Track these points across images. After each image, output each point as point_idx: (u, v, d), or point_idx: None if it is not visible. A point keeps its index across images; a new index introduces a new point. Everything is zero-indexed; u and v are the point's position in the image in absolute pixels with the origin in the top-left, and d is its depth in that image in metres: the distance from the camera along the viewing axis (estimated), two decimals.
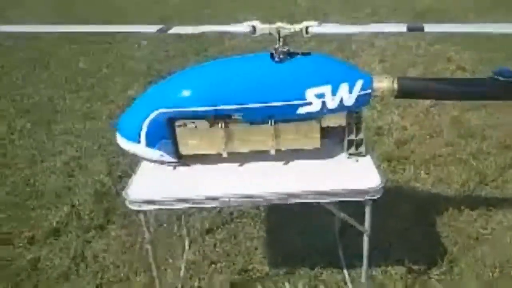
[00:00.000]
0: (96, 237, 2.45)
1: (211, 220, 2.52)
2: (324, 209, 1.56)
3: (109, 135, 3.47)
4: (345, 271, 2.14)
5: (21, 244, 2.41)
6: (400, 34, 4.70)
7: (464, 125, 3.34)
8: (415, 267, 2.13)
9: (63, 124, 3.74)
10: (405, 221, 2.41)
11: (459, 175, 2.77)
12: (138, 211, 1.55)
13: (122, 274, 2.19)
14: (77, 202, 2.71)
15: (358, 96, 1.54)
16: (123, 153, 3.07)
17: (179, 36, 5.26)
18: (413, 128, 3.35)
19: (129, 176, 2.87)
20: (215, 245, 2.36)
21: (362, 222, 1.59)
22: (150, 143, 1.58)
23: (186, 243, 2.36)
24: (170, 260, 2.28)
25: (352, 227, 1.61)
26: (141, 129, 1.55)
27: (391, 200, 2.44)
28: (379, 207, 1.59)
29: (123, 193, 1.53)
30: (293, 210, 2.27)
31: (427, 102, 3.60)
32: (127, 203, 1.53)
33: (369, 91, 1.55)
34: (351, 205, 1.55)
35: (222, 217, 2.53)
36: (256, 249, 2.31)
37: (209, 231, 2.46)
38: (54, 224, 2.54)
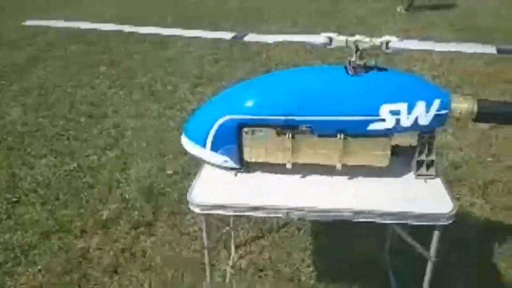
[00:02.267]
0: (144, 234, 2.49)
1: (257, 226, 2.51)
2: (375, 226, 1.49)
3: (158, 134, 3.57)
4: None
5: (73, 233, 2.49)
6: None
7: None
8: None
9: (114, 119, 3.85)
10: (461, 249, 2.30)
11: None
12: (200, 215, 1.55)
13: (169, 273, 2.22)
14: (127, 197, 2.78)
15: (435, 116, 1.48)
16: (173, 151, 3.20)
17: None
18: (469, 150, 3.21)
19: (179, 174, 2.96)
20: (260, 252, 2.35)
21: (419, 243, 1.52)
22: (215, 148, 1.58)
23: (232, 247, 2.36)
24: (216, 264, 2.29)
25: (405, 248, 1.54)
26: (208, 134, 1.56)
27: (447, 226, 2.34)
28: None
29: (187, 196, 1.54)
30: (342, 223, 2.22)
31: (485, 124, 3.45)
32: (190, 206, 1.53)
33: (447, 111, 1.49)
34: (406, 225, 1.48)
35: (268, 225, 2.52)
36: (303, 260, 2.28)
37: (255, 237, 2.45)
38: (105, 216, 2.62)
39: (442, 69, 4.68)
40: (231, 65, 4.99)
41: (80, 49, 5.61)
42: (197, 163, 1.70)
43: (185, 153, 1.69)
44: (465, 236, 2.38)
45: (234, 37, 1.59)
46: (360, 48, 1.47)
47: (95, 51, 5.50)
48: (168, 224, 2.55)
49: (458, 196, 2.70)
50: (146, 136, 3.54)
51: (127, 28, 1.85)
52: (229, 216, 2.28)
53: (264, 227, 2.50)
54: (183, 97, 4.25)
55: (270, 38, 1.56)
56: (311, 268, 2.23)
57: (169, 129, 3.63)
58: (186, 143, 1.65)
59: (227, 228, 2.25)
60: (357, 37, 1.48)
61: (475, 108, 1.51)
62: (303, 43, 1.54)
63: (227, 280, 2.17)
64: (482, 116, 1.52)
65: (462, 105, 1.51)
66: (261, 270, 2.22)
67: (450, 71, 4.63)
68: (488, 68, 4.63)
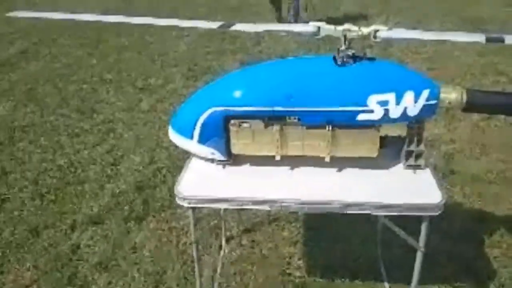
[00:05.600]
0: (135, 228, 2.47)
1: (248, 220, 2.49)
2: (365, 218, 1.48)
3: (149, 127, 3.53)
4: (386, 284, 2.06)
5: (63, 229, 2.47)
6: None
7: None
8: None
9: (105, 113, 3.81)
10: (452, 239, 2.30)
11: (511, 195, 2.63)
12: (187, 208, 1.53)
13: (159, 268, 2.20)
14: (117, 191, 2.75)
15: (424, 106, 1.46)
16: (163, 145, 3.17)
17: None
18: (461, 143, 3.21)
19: (169, 168, 2.93)
20: (252, 247, 2.34)
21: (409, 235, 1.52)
22: (202, 140, 1.56)
23: (223, 241, 2.35)
24: (206, 257, 2.27)
25: (395, 240, 1.53)
26: (195, 126, 1.54)
27: (438, 217, 2.35)
28: None
29: (174, 189, 1.52)
30: (332, 216, 2.21)
31: (476, 115, 3.45)
32: (177, 199, 1.51)
33: (436, 101, 1.47)
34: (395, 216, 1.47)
35: (259, 218, 2.50)
36: (294, 254, 2.27)
37: (246, 231, 2.44)
38: (95, 211, 2.59)
39: (436, 63, 4.66)
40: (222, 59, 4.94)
41: (70, 42, 5.54)
42: (188, 157, 1.67)
43: (176, 146, 1.67)
44: (455, 227, 2.38)
45: (221, 26, 1.56)
46: (349, 37, 1.45)
47: (85, 44, 5.43)
48: (159, 219, 2.53)
49: (449, 187, 2.71)
50: (137, 130, 3.50)
51: (116, 19, 1.81)
52: (219, 209, 2.28)
53: (255, 220, 2.49)
54: (174, 90, 4.21)
55: (257, 28, 1.54)
56: (301, 262, 2.22)
57: (159, 122, 3.60)
58: (173, 135, 1.63)
59: (216, 221, 2.23)
60: (346, 26, 1.45)
61: (464, 98, 1.50)
62: (290, 33, 1.51)
63: (218, 272, 2.16)
64: (471, 106, 1.51)
65: (451, 95, 1.50)
66: (251, 264, 2.21)
67: (444, 64, 4.62)
68: (482, 60, 4.62)
